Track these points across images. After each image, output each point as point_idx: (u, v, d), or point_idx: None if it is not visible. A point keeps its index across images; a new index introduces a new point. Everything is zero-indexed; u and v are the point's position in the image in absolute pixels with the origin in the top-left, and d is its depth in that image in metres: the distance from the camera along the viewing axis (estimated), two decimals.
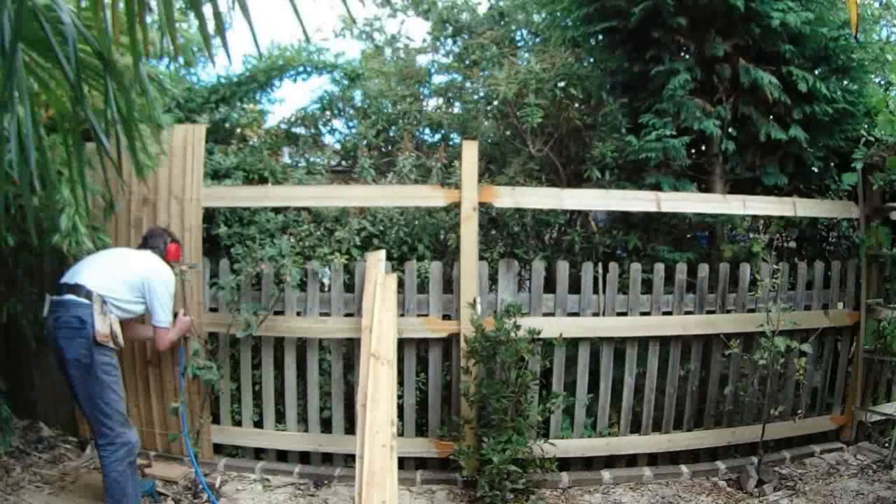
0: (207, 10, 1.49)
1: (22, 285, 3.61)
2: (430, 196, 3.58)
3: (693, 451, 3.79)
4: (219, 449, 3.63)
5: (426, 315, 3.54)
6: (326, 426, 3.64)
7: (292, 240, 3.79)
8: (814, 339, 3.68)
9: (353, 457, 3.57)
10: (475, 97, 5.59)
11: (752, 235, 4.38)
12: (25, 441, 3.57)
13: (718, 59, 3.97)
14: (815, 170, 4.29)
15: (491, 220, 4.24)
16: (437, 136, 5.81)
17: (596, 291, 3.63)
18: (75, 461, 3.51)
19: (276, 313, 3.53)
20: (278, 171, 3.99)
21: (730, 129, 4.06)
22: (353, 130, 5.84)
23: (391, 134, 5.67)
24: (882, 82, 4.46)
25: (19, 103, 1.42)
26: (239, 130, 4.67)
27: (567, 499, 3.41)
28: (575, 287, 3.61)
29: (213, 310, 3.54)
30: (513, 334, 3.20)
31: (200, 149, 3.51)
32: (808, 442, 3.97)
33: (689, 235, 4.49)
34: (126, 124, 1.76)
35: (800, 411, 3.95)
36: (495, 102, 4.54)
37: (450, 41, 6.05)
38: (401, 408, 3.56)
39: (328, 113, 5.80)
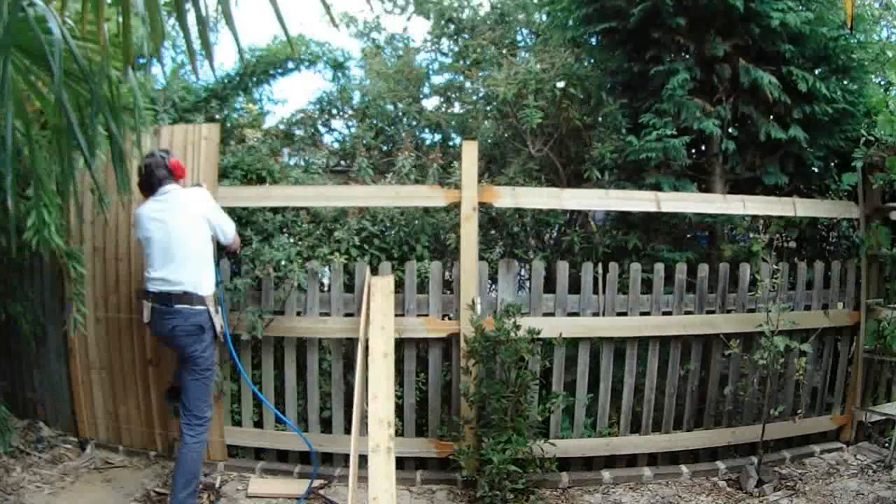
0: (193, 16, 1.50)
1: (21, 285, 3.61)
2: (430, 196, 3.58)
3: (693, 451, 3.79)
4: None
5: (426, 315, 3.54)
6: (326, 426, 3.64)
7: (292, 239, 3.79)
8: (814, 339, 3.68)
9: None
10: (475, 97, 5.59)
11: (752, 235, 4.38)
12: (25, 441, 3.57)
13: (718, 59, 3.97)
14: (815, 170, 4.29)
15: (491, 220, 4.24)
16: (437, 137, 5.82)
17: (596, 291, 3.63)
18: (75, 461, 3.51)
19: (277, 313, 3.53)
20: (276, 171, 3.99)
21: (730, 129, 4.06)
22: (353, 130, 5.85)
23: (390, 134, 5.68)
24: (882, 82, 4.46)
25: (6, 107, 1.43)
26: (238, 130, 4.67)
27: (567, 499, 3.41)
28: (575, 287, 3.61)
29: None
30: (513, 334, 3.20)
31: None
32: (808, 442, 3.97)
33: (689, 235, 4.49)
34: (111, 137, 1.78)
35: (800, 411, 3.95)
36: (495, 103, 4.54)
37: (450, 41, 6.05)
38: (401, 408, 3.56)
39: (326, 114, 5.81)
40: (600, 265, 3.66)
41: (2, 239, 2.90)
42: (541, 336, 3.32)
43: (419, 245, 3.93)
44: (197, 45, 1.54)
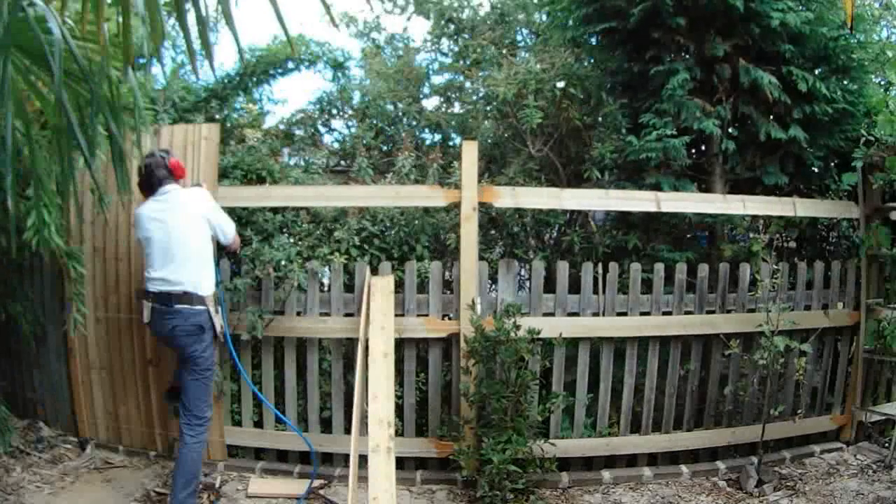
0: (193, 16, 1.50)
1: (21, 285, 3.61)
2: (430, 196, 3.58)
3: (693, 451, 3.79)
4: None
5: (426, 315, 3.54)
6: (326, 426, 3.64)
7: (292, 239, 3.79)
8: (814, 339, 3.68)
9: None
10: (475, 97, 5.59)
11: (752, 235, 4.38)
12: (25, 441, 3.57)
13: (718, 59, 3.97)
14: (815, 170, 4.29)
15: (491, 220, 4.24)
16: (437, 137, 5.81)
17: (596, 291, 3.63)
18: (75, 461, 3.51)
19: (276, 313, 3.53)
20: (276, 171, 3.99)
21: (730, 129, 4.06)
22: (353, 130, 5.85)
23: (390, 134, 5.68)
24: (882, 82, 4.46)
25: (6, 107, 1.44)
26: (238, 130, 4.68)
27: (567, 499, 3.41)
28: (575, 287, 3.61)
29: None
30: (512, 334, 3.20)
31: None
32: (808, 442, 3.97)
33: (689, 235, 4.49)
34: (111, 137, 1.78)
35: (800, 411, 3.95)
36: (495, 103, 4.55)
37: (450, 41, 6.05)
38: (401, 408, 3.56)
39: (326, 114, 5.81)
40: (600, 265, 3.66)
41: (2, 239, 2.90)
42: (541, 336, 3.32)
43: (419, 245, 3.93)
44: (197, 45, 1.54)
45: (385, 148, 5.48)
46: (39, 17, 1.51)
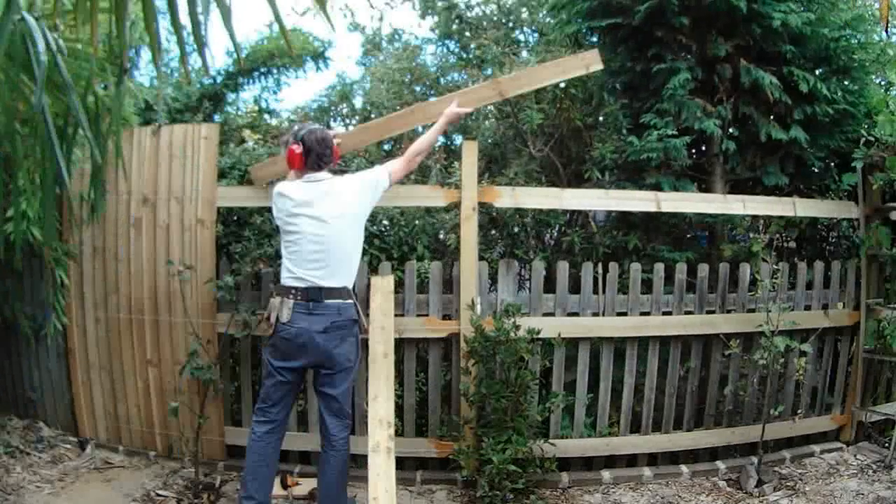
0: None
1: (21, 285, 3.61)
2: (430, 196, 3.58)
3: (693, 451, 3.79)
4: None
5: (426, 315, 3.54)
6: None
7: None
8: (814, 339, 3.68)
9: (352, 457, 3.58)
10: None
11: (752, 235, 4.38)
12: (25, 441, 3.57)
13: (720, 59, 3.96)
14: (816, 170, 4.29)
15: (491, 220, 4.24)
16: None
17: (596, 291, 3.63)
18: (75, 461, 3.51)
19: None
20: None
21: (730, 129, 4.05)
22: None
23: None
24: (882, 82, 4.45)
25: None
26: (237, 132, 4.68)
27: (567, 499, 3.41)
28: (575, 287, 3.61)
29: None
30: (512, 334, 3.20)
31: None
32: (808, 442, 3.97)
33: (689, 235, 4.49)
34: (100, 145, 1.80)
35: (800, 411, 3.96)
36: (496, 102, 4.53)
37: (454, 40, 6.03)
38: (401, 408, 3.56)
39: (328, 114, 5.79)
40: (600, 265, 3.65)
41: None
42: (541, 336, 3.32)
43: (419, 245, 3.93)
44: (188, 47, 1.54)
45: (386, 148, 5.47)
46: (27, 30, 1.54)
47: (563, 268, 3.59)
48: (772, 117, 4.07)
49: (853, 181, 4.03)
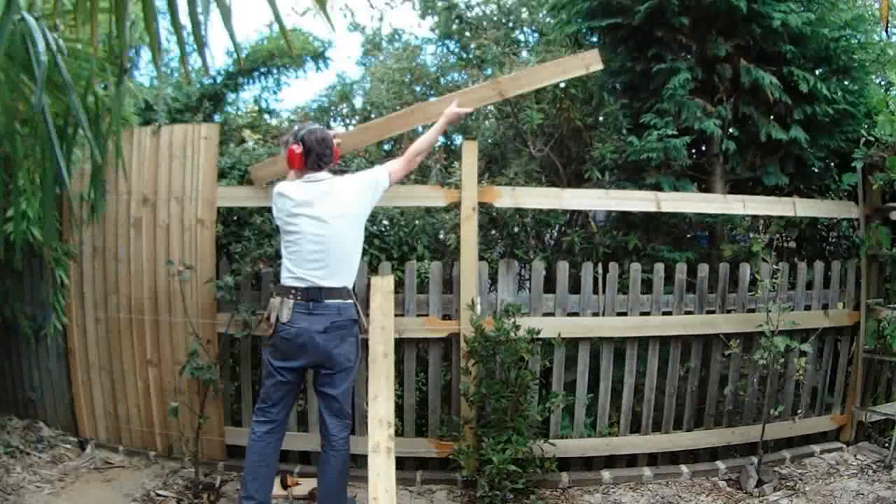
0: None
1: (21, 285, 3.61)
2: (430, 196, 3.58)
3: (693, 451, 3.79)
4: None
5: (426, 315, 3.54)
6: None
7: None
8: (814, 339, 3.68)
9: (352, 457, 3.58)
10: None
11: (752, 235, 4.38)
12: (25, 441, 3.57)
13: (719, 59, 3.96)
14: (816, 170, 4.29)
15: (491, 220, 4.24)
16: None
17: (596, 291, 3.63)
18: (75, 461, 3.51)
19: None
20: None
21: (730, 129, 4.05)
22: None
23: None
24: (882, 82, 4.45)
25: None
26: (237, 132, 4.68)
27: (567, 499, 3.41)
28: (575, 287, 3.61)
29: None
30: (512, 334, 3.20)
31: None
32: (808, 442, 3.97)
33: (689, 235, 4.49)
34: (100, 146, 1.80)
35: (800, 411, 3.96)
36: (496, 102, 4.53)
37: (454, 40, 6.03)
38: (401, 408, 3.56)
39: (328, 114, 5.79)
40: (600, 265, 3.65)
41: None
42: (541, 336, 3.32)
43: (419, 245, 3.93)
44: (188, 47, 1.54)
45: (386, 147, 5.47)
46: (27, 30, 1.54)
47: (563, 268, 3.59)
48: (772, 117, 4.07)
49: (853, 181, 4.03)
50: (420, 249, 3.91)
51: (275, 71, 5.50)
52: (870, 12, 4.29)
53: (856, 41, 4.05)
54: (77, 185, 3.28)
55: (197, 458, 3.31)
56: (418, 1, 6.12)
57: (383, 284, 3.38)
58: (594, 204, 3.85)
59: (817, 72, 4.03)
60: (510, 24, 5.78)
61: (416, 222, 3.99)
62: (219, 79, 5.22)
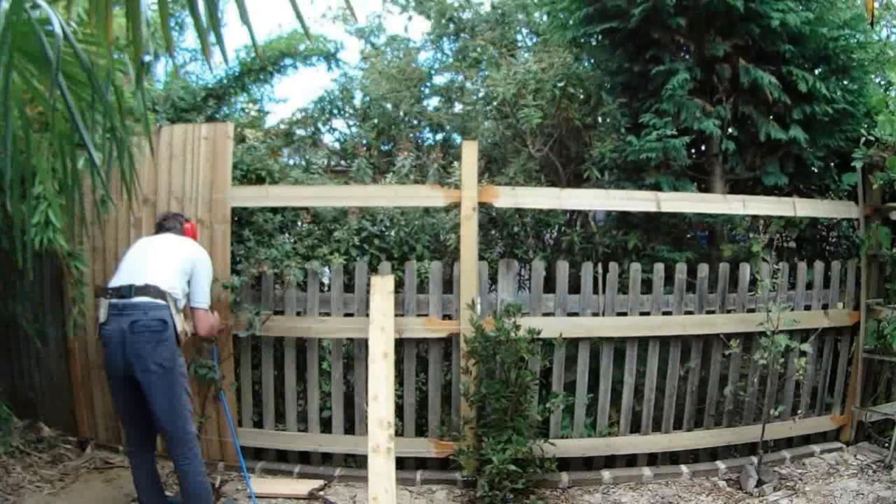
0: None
1: (21, 285, 3.61)
2: (430, 196, 3.58)
3: (693, 450, 3.79)
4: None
5: (426, 315, 3.54)
6: (326, 426, 3.63)
7: (292, 239, 3.79)
8: (814, 339, 3.68)
9: (353, 457, 3.60)
10: (475, 97, 5.60)
11: (751, 235, 4.38)
12: (25, 441, 3.56)
13: (718, 59, 3.97)
14: (815, 170, 4.29)
15: (491, 220, 4.24)
16: (438, 137, 5.82)
17: (596, 291, 3.63)
18: (75, 461, 3.51)
19: (277, 313, 3.53)
20: (276, 171, 3.99)
21: (730, 129, 4.06)
22: (353, 130, 5.84)
23: (392, 134, 5.68)
24: (882, 82, 4.46)
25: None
26: (238, 130, 4.68)
27: (567, 499, 3.41)
28: (575, 287, 3.61)
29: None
30: (512, 334, 3.20)
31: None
32: (808, 442, 3.97)
33: (689, 235, 4.49)
34: (115, 136, 1.78)
35: (800, 411, 3.95)
36: (495, 103, 4.55)
37: (450, 41, 6.05)
38: (401, 408, 3.56)
39: (327, 114, 5.81)
40: (600, 265, 3.66)
41: (3, 240, 2.90)
42: (541, 336, 3.32)
43: (419, 245, 3.93)
44: (206, 40, 1.53)
45: (385, 148, 5.49)
46: (42, 18, 1.50)
47: (563, 268, 3.60)
48: (771, 117, 4.08)
49: (853, 181, 4.03)
50: (420, 249, 3.91)
51: (281, 71, 5.49)
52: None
53: (855, 40, 4.05)
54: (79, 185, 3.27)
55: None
56: (414, 4, 6.14)
57: (383, 284, 3.38)
58: (594, 204, 3.85)
59: (816, 71, 4.04)
60: (506, 26, 5.79)
61: (416, 222, 3.99)
62: (225, 79, 5.22)
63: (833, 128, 4.03)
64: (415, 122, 5.77)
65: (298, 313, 3.55)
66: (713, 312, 3.73)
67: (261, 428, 3.64)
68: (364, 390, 3.46)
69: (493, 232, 4.33)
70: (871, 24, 3.78)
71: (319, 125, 5.98)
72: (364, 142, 5.43)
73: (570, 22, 4.36)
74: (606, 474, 3.59)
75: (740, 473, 3.57)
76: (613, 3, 3.99)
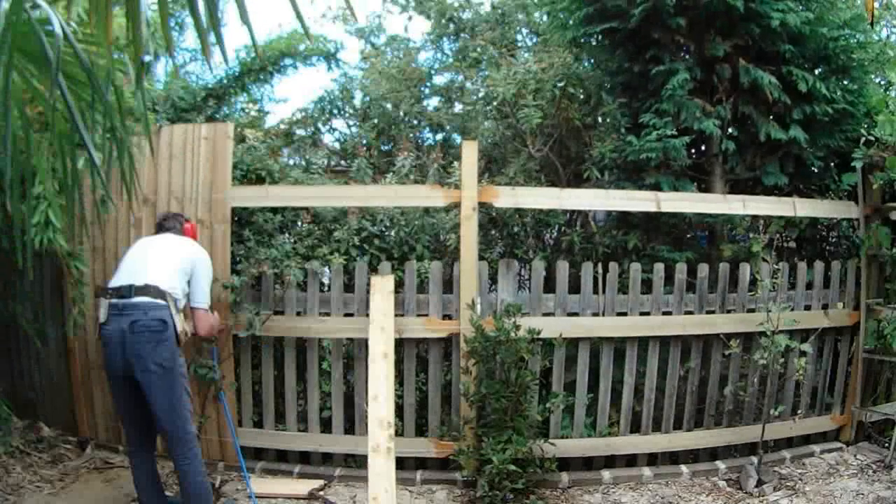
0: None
1: (21, 285, 3.61)
2: (430, 196, 3.58)
3: (693, 450, 3.79)
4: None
5: (426, 315, 3.54)
6: (326, 426, 3.64)
7: (292, 239, 3.79)
8: (814, 339, 3.68)
9: (353, 457, 3.60)
10: (475, 97, 5.60)
11: (751, 235, 4.38)
12: (25, 441, 3.56)
13: (718, 59, 3.97)
14: (815, 170, 4.29)
15: (491, 220, 4.24)
16: (438, 136, 5.82)
17: (596, 291, 3.63)
18: (75, 461, 3.51)
19: (277, 313, 3.53)
20: (276, 171, 3.99)
21: (730, 129, 4.06)
22: (353, 130, 5.85)
23: (392, 134, 5.68)
24: (882, 82, 4.46)
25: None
26: (238, 130, 4.68)
27: (567, 499, 3.41)
28: (575, 287, 3.61)
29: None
30: (512, 334, 3.20)
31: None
32: (808, 442, 3.97)
33: (689, 235, 4.50)
34: (115, 136, 1.77)
35: (799, 411, 3.95)
36: (495, 103, 4.55)
37: (450, 41, 6.05)
38: (401, 408, 3.56)
39: (327, 114, 5.81)
40: (600, 265, 3.66)
41: (3, 240, 2.90)
42: (541, 336, 3.32)
43: (419, 245, 3.93)
44: (206, 40, 1.52)
45: (385, 147, 5.49)
46: (42, 18, 1.50)
47: (563, 268, 3.60)
48: (771, 117, 4.08)
49: (853, 181, 4.03)
50: (420, 249, 3.91)
51: (281, 71, 5.49)
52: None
53: (855, 40, 4.05)
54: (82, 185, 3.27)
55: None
56: (413, 4, 6.14)
57: (383, 284, 3.38)
58: (594, 204, 3.85)
59: (816, 71, 4.04)
60: (506, 26, 5.79)
61: (416, 222, 3.99)
62: (225, 79, 5.21)
63: (833, 128, 4.04)
64: (415, 122, 5.78)
65: (298, 313, 3.55)
66: (713, 312, 3.73)
67: (261, 428, 3.64)
68: (364, 390, 3.46)
69: (493, 232, 4.33)
70: (872, 24, 3.77)
71: (319, 125, 5.98)
72: (364, 142, 5.44)
73: (570, 22, 4.37)
74: (606, 474, 3.59)
75: (740, 473, 3.57)
76: (613, 3, 3.99)
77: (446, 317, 3.55)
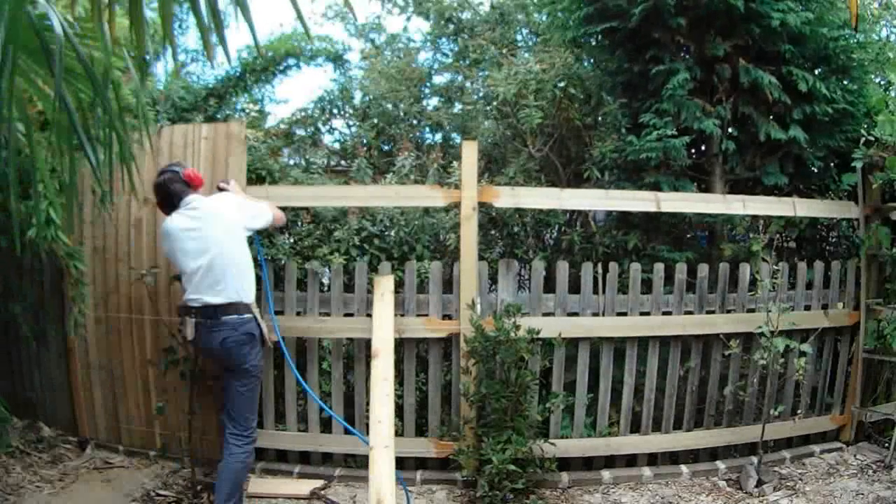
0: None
1: (21, 285, 3.62)
2: (430, 196, 3.58)
3: (693, 450, 3.79)
4: None
5: (426, 315, 3.54)
6: (326, 426, 3.63)
7: (292, 239, 3.79)
8: (813, 339, 3.68)
9: (352, 457, 3.60)
10: (475, 97, 5.60)
11: (751, 235, 4.37)
12: (25, 441, 3.57)
13: (718, 59, 3.97)
14: (815, 170, 4.29)
15: (491, 220, 4.24)
16: (438, 136, 5.82)
17: (596, 291, 3.63)
18: (75, 461, 3.51)
19: (277, 313, 3.53)
20: (276, 171, 3.99)
21: (730, 129, 4.06)
22: (353, 130, 5.85)
23: (391, 133, 5.68)
24: (882, 82, 4.46)
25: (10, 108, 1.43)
26: None
27: (567, 499, 3.41)
28: (575, 287, 3.61)
29: None
30: (512, 334, 3.20)
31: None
32: (808, 442, 3.97)
33: (688, 235, 4.49)
34: (117, 136, 1.77)
35: (799, 411, 3.95)
36: (495, 103, 4.55)
37: (450, 41, 6.06)
38: (401, 408, 3.56)
39: (327, 114, 5.81)
40: (600, 265, 3.66)
41: (2, 240, 2.91)
42: (541, 336, 3.32)
43: (419, 245, 3.93)
44: (209, 39, 1.52)
45: (385, 147, 5.49)
46: (41, 14, 1.50)
47: (563, 268, 3.60)
48: (771, 117, 4.08)
49: (853, 181, 4.03)
50: (420, 249, 3.91)
51: (282, 71, 5.49)
52: (868, 11, 4.29)
53: (855, 40, 4.05)
54: (81, 185, 3.28)
55: (194, 456, 3.30)
56: (412, 5, 6.14)
57: (383, 284, 3.38)
58: (594, 204, 3.85)
59: (816, 71, 4.04)
60: (506, 26, 5.79)
61: (416, 222, 3.99)
62: (226, 79, 5.22)
63: (833, 128, 4.04)
64: (415, 121, 5.78)
65: (298, 313, 3.55)
66: (713, 312, 3.74)
67: (261, 428, 3.64)
68: (364, 390, 3.46)
69: (493, 232, 4.33)
70: (855, 27, 3.77)
71: (319, 125, 5.99)
72: (364, 142, 5.44)
73: (570, 22, 4.37)
74: (606, 474, 3.59)
75: (740, 473, 3.57)
76: (614, 3, 3.99)
77: (446, 317, 3.55)
